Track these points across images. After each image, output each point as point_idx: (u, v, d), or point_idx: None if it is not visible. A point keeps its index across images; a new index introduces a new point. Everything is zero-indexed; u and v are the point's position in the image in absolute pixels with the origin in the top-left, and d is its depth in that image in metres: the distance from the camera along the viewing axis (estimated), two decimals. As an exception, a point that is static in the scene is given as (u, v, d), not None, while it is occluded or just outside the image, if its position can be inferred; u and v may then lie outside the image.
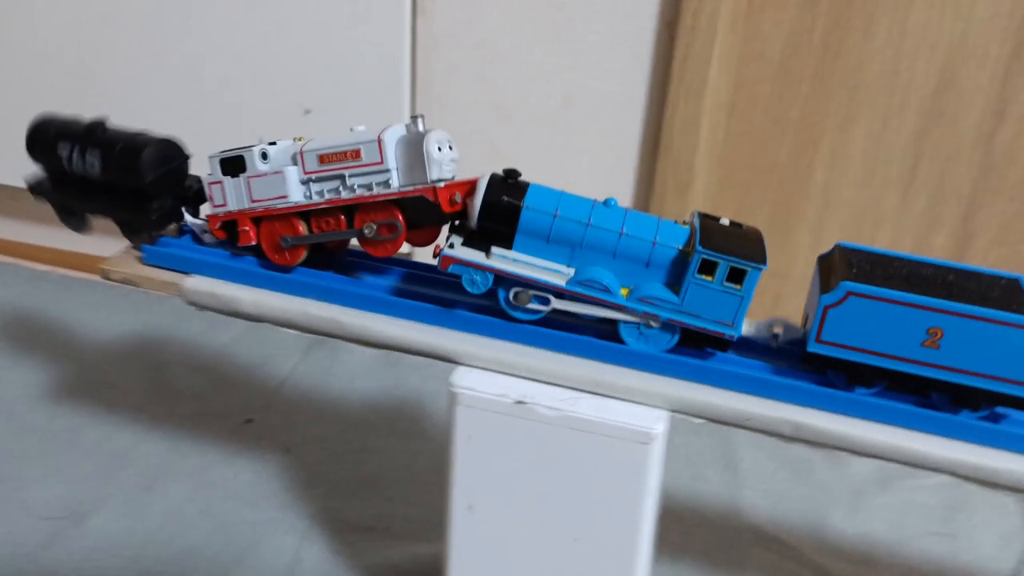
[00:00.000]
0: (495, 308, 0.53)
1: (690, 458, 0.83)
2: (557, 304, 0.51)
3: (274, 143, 0.57)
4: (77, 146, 0.58)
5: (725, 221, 0.52)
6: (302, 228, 0.56)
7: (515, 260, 0.51)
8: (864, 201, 0.89)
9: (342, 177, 0.54)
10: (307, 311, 0.54)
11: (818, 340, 0.48)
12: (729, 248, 0.48)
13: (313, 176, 0.55)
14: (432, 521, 0.74)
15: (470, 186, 0.52)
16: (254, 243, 0.58)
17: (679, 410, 0.50)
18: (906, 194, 0.87)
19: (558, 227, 0.50)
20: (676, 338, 0.51)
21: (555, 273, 0.51)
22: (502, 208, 0.50)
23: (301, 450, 0.81)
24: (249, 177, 0.56)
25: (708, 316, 0.50)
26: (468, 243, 0.52)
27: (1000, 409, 0.49)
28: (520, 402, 0.50)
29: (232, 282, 0.57)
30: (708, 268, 0.49)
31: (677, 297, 0.50)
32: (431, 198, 0.52)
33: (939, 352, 0.47)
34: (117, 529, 0.71)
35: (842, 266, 0.49)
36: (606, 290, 0.50)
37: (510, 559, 0.54)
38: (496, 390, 0.50)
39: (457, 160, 0.53)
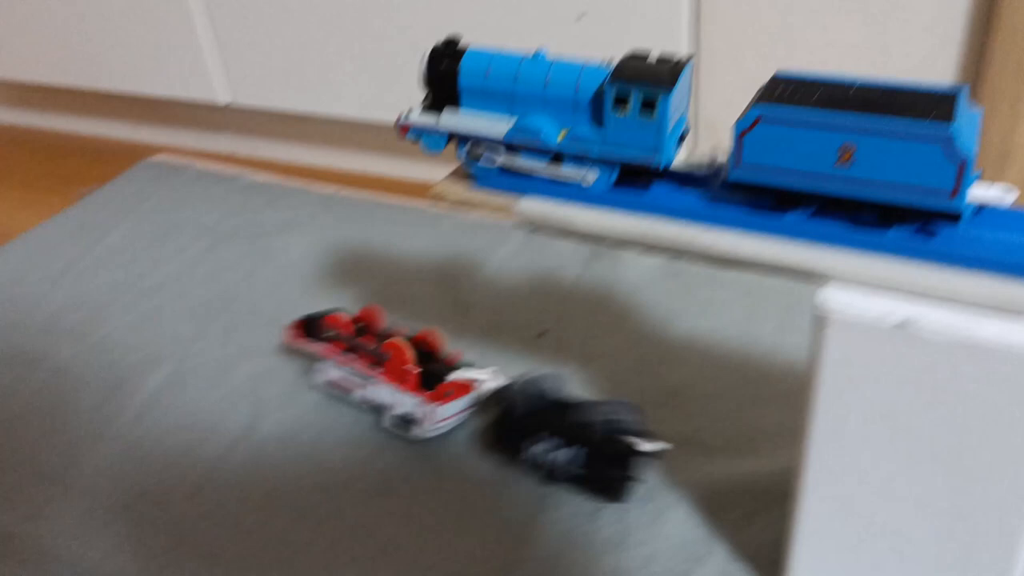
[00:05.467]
0: (848, 220, 0.49)
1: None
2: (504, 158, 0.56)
3: None
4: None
5: (654, 57, 0.52)
6: None
7: (461, 118, 0.56)
8: None
9: None
10: (651, 228, 0.52)
11: (737, 166, 0.48)
12: (637, 78, 0.49)
13: None
14: (746, 437, 0.72)
15: None
16: None
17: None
18: None
19: (492, 85, 0.55)
20: (615, 174, 0.54)
21: (497, 125, 0.55)
22: (441, 74, 0.55)
23: (600, 362, 0.81)
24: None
25: (632, 147, 0.52)
26: (426, 111, 0.58)
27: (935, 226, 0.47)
28: (904, 324, 0.45)
29: (566, 200, 0.55)
30: (621, 101, 0.50)
31: (601, 134, 0.52)
32: None
33: (853, 169, 0.46)
34: (437, 440, 0.74)
35: (763, 93, 0.48)
36: (540, 134, 0.54)
37: (877, 493, 0.51)
38: (875, 310, 0.46)
39: None
